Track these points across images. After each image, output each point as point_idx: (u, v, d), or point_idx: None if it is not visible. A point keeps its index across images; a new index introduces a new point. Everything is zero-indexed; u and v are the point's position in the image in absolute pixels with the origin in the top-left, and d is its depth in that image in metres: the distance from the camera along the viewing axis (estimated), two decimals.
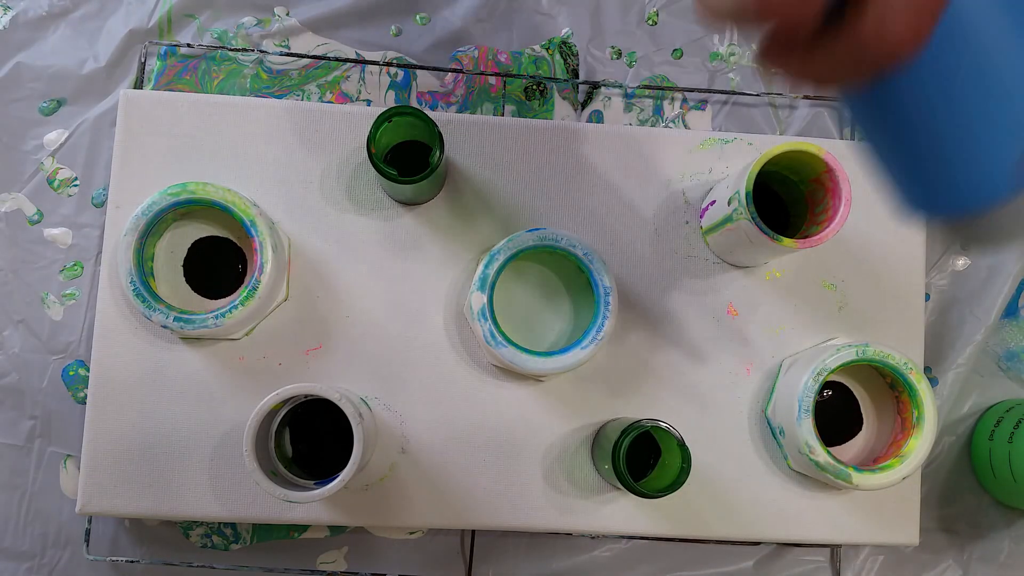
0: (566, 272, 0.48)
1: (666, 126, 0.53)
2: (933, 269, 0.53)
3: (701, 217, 0.48)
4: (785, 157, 0.42)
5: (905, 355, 0.44)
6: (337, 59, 0.52)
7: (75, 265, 0.50)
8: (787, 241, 0.41)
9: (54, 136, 0.51)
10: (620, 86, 0.53)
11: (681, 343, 0.48)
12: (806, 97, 0.53)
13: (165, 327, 0.42)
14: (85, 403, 0.47)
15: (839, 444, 0.48)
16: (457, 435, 0.46)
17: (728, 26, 0.43)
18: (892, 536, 0.48)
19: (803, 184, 0.45)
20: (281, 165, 0.47)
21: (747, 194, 0.41)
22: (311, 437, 0.46)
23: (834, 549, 0.51)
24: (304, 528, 0.49)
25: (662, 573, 0.50)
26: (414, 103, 0.53)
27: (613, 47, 0.54)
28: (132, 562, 0.49)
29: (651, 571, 0.50)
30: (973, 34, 0.23)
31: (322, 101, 0.52)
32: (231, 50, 0.52)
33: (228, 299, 0.46)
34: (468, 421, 0.47)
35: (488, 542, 0.50)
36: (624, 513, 0.47)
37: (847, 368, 0.47)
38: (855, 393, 0.49)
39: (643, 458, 0.46)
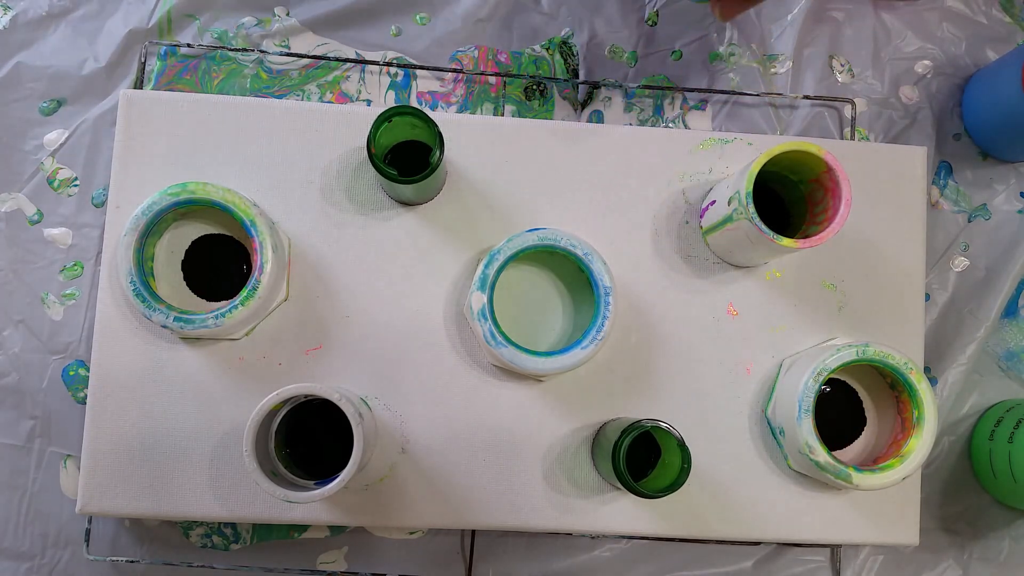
0: (566, 272, 0.48)
1: (666, 126, 0.53)
2: (933, 269, 0.53)
3: (701, 217, 0.48)
4: (785, 157, 0.42)
5: (905, 355, 0.44)
6: (337, 59, 0.52)
7: (75, 265, 0.50)
8: (787, 241, 0.41)
9: (54, 136, 0.51)
10: (620, 86, 0.53)
11: (681, 343, 0.48)
12: (806, 97, 0.53)
13: (165, 327, 0.42)
14: (85, 403, 0.47)
15: (845, 446, 0.48)
16: (457, 435, 0.46)
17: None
18: (892, 536, 0.48)
19: (803, 184, 0.45)
20: (281, 165, 0.47)
21: (747, 194, 0.41)
22: (311, 437, 0.46)
23: (834, 549, 0.51)
24: (304, 528, 0.50)
25: (662, 573, 0.50)
26: (414, 103, 0.53)
27: (613, 47, 0.54)
28: (132, 562, 0.49)
29: (651, 571, 0.50)
30: None
31: (322, 101, 0.52)
32: (231, 50, 0.52)
33: (228, 299, 0.46)
34: (468, 421, 0.47)
35: (488, 542, 0.50)
36: (624, 513, 0.47)
37: (847, 368, 0.47)
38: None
39: (643, 458, 0.46)
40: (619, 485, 0.41)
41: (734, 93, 0.53)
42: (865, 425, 0.48)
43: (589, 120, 0.53)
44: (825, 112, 0.54)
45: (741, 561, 0.50)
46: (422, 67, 0.52)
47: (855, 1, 0.55)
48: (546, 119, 0.52)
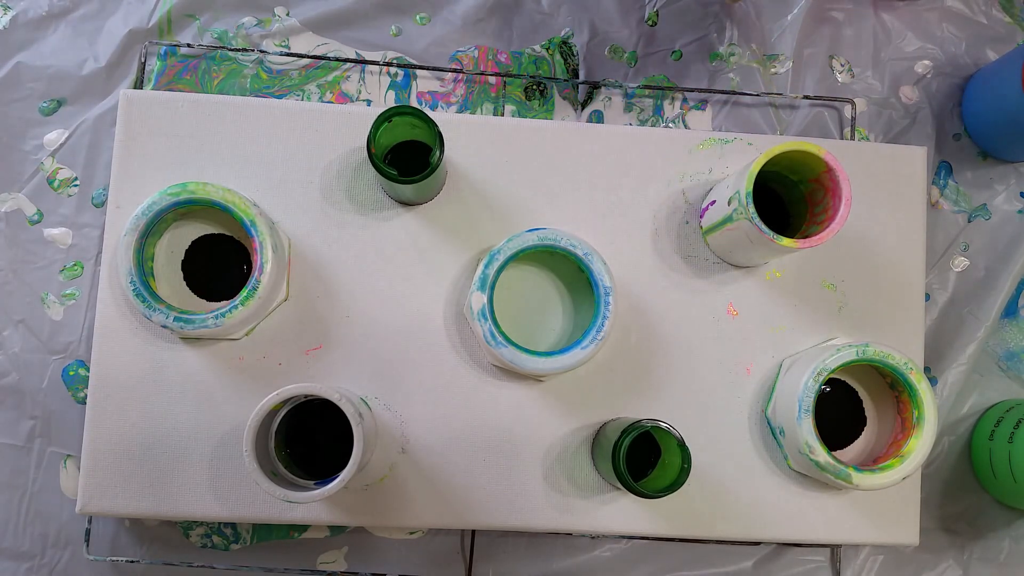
0: (566, 272, 0.48)
1: (666, 126, 0.53)
2: (933, 269, 0.53)
3: (701, 217, 0.48)
4: (785, 157, 0.42)
5: (905, 355, 0.44)
6: (337, 59, 0.52)
7: (75, 265, 0.50)
8: (787, 241, 0.41)
9: (54, 136, 0.51)
10: (620, 86, 0.53)
11: (681, 343, 0.48)
12: (806, 97, 0.53)
13: (165, 327, 0.42)
14: (85, 403, 0.47)
15: (845, 446, 0.48)
16: (457, 435, 0.46)
17: None
18: (892, 536, 0.48)
19: (803, 184, 0.45)
20: (281, 165, 0.47)
21: (747, 194, 0.41)
22: (311, 437, 0.46)
23: (834, 549, 0.51)
24: (304, 528, 0.50)
25: (662, 573, 0.50)
26: (414, 103, 0.53)
27: (613, 47, 0.54)
28: (132, 562, 0.49)
29: (651, 571, 0.50)
30: None
31: (322, 101, 0.52)
32: (231, 50, 0.52)
33: (228, 299, 0.46)
34: (468, 421, 0.47)
35: (488, 542, 0.50)
36: (624, 513, 0.47)
37: (847, 368, 0.47)
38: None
39: (643, 458, 0.46)
40: (619, 485, 0.41)
41: (734, 93, 0.53)
42: (865, 425, 0.48)
43: (589, 120, 0.53)
44: (825, 112, 0.54)
45: (741, 561, 0.50)
46: (422, 67, 0.52)
47: (855, 1, 0.55)
48: (546, 119, 0.52)
